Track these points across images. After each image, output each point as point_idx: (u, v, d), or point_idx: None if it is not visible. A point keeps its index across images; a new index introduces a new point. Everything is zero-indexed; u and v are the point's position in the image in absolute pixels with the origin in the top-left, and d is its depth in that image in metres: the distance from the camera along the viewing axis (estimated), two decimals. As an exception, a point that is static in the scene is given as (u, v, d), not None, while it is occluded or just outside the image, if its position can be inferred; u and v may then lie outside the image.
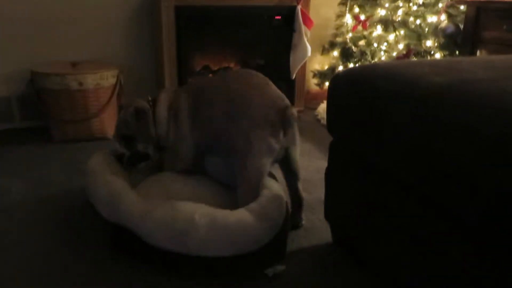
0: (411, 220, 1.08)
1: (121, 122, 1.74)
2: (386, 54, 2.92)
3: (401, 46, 2.84)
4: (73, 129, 2.54)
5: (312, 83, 3.41)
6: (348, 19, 3.16)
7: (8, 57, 2.70)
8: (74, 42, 2.82)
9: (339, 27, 3.27)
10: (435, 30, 2.69)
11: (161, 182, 1.71)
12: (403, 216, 1.11)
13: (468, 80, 1.04)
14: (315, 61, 3.40)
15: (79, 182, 2.01)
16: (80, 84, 2.46)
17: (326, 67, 3.32)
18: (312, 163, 2.32)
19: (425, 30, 2.74)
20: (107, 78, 2.57)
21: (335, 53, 3.22)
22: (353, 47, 3.04)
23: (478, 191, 0.84)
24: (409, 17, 2.81)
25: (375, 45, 2.96)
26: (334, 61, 3.25)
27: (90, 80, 2.49)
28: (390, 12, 2.90)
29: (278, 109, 1.49)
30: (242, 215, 1.38)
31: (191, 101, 1.70)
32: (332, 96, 1.35)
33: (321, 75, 3.29)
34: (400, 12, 2.86)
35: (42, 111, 2.57)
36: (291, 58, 2.95)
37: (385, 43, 2.93)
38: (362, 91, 1.22)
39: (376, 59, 2.94)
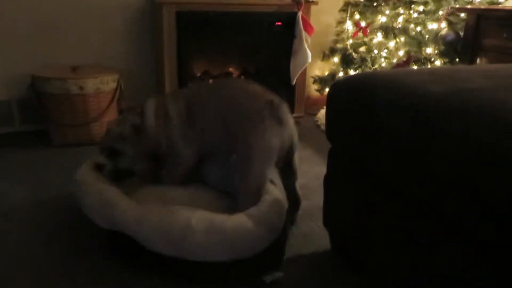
0: (410, 227, 1.08)
1: (114, 134, 1.67)
2: (386, 60, 2.92)
3: (401, 53, 2.84)
4: (73, 133, 2.54)
5: (313, 88, 3.42)
6: (349, 26, 3.17)
7: (9, 61, 2.71)
8: (74, 46, 2.83)
9: (339, 33, 3.28)
10: (435, 38, 2.69)
11: (158, 189, 1.71)
12: (402, 223, 1.11)
13: (466, 89, 1.04)
14: (315, 67, 3.41)
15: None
16: (81, 88, 2.47)
17: (326, 73, 3.33)
18: (311, 169, 2.32)
19: (425, 37, 2.74)
20: (108, 83, 2.58)
21: (336, 59, 3.23)
22: (353, 54, 3.05)
23: (476, 200, 0.84)
24: (410, 24, 2.82)
25: (376, 51, 2.97)
26: (334, 67, 3.25)
27: (91, 84, 2.50)
28: (391, 19, 2.91)
29: (265, 101, 1.54)
30: (240, 220, 1.37)
31: (183, 109, 1.69)
32: (331, 103, 1.36)
33: (322, 81, 3.30)
34: (400, 19, 2.87)
35: (42, 115, 2.58)
36: (291, 64, 2.95)
37: (386, 50, 2.93)
38: (361, 99, 1.22)
39: (376, 66, 2.94)
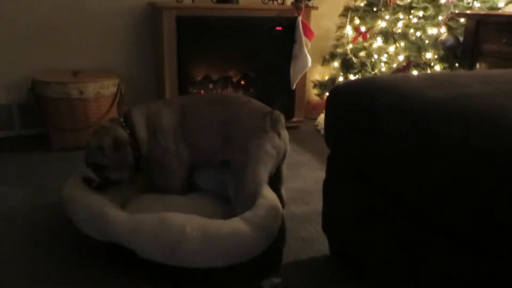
0: (409, 232, 1.08)
1: (93, 150, 1.61)
2: (386, 65, 2.93)
3: (401, 57, 2.85)
4: (73, 138, 2.54)
5: (313, 93, 3.42)
6: (349, 31, 3.18)
7: (9, 65, 2.72)
8: (75, 51, 2.84)
9: (339, 38, 3.28)
10: (435, 43, 2.70)
11: (155, 197, 1.71)
12: (401, 228, 1.11)
13: (466, 94, 1.04)
14: (315, 72, 3.41)
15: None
16: (81, 92, 2.47)
17: (326, 78, 3.33)
18: (311, 174, 2.32)
19: (425, 42, 2.75)
20: (108, 87, 2.58)
21: (336, 64, 3.23)
22: (353, 58, 3.05)
23: (475, 204, 0.83)
24: (409, 29, 2.82)
25: (376, 56, 2.97)
26: (334, 71, 3.25)
27: (91, 88, 2.50)
28: (391, 24, 2.91)
29: (265, 113, 1.58)
30: (236, 225, 1.37)
31: (177, 118, 1.69)
32: (330, 108, 1.36)
33: (322, 86, 3.30)
34: (400, 24, 2.87)
35: (42, 119, 2.58)
36: (291, 69, 2.96)
37: (386, 55, 2.94)
38: (360, 104, 1.22)
39: (376, 71, 2.94)
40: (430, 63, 2.69)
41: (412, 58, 2.76)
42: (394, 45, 2.88)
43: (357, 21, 3.12)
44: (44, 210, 1.87)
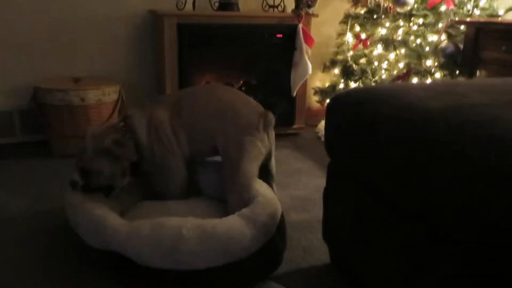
0: (407, 242, 1.08)
1: (84, 155, 1.58)
2: (386, 72, 2.94)
3: (401, 65, 2.86)
4: (74, 144, 2.54)
5: (313, 100, 3.43)
6: (349, 38, 3.19)
7: (11, 72, 2.73)
8: (77, 58, 2.85)
9: (340, 45, 3.29)
10: (435, 50, 2.71)
11: (156, 202, 1.72)
12: (400, 237, 1.11)
13: (463, 105, 1.05)
14: (316, 78, 3.42)
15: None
16: (82, 99, 2.49)
17: (327, 85, 3.34)
18: (311, 181, 2.32)
19: (425, 50, 2.76)
20: (109, 94, 2.59)
21: (336, 70, 3.24)
22: (354, 65, 3.06)
23: (473, 216, 0.84)
24: (410, 36, 2.83)
25: (376, 63, 2.98)
26: (335, 78, 3.26)
27: (92, 96, 2.51)
28: (391, 32, 2.92)
29: (259, 114, 1.67)
30: (231, 222, 1.39)
31: (172, 116, 1.70)
32: (330, 117, 1.36)
33: (322, 92, 3.31)
34: (400, 31, 2.88)
35: (44, 126, 2.59)
36: (292, 76, 2.97)
37: (386, 62, 2.95)
38: (359, 114, 1.23)
39: (376, 78, 2.95)
40: (430, 71, 2.70)
41: (412, 66, 2.77)
42: (395, 52, 2.89)
43: (357, 28, 3.13)
44: (44, 216, 1.87)
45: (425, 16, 2.75)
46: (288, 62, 2.95)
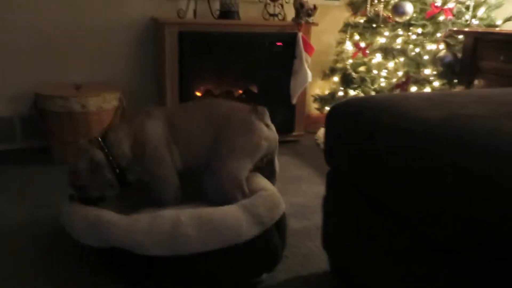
0: (406, 250, 1.09)
1: (72, 173, 1.63)
2: (386, 80, 2.96)
3: (400, 73, 2.88)
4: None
5: (313, 107, 3.45)
6: (349, 46, 3.21)
7: (12, 79, 2.75)
8: (78, 65, 2.87)
9: (339, 53, 3.32)
10: (434, 59, 2.73)
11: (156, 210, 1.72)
12: (399, 246, 1.12)
13: (460, 116, 1.07)
14: (316, 86, 3.45)
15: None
16: (83, 106, 2.50)
17: (326, 92, 3.36)
18: (311, 189, 2.34)
19: (423, 58, 2.78)
20: (110, 101, 2.61)
21: (336, 78, 3.27)
22: (353, 73, 3.08)
23: (470, 226, 0.85)
24: (408, 45, 2.86)
25: (375, 72, 3.00)
26: (334, 86, 3.28)
27: (93, 102, 2.53)
28: (390, 40, 2.95)
29: (249, 110, 1.69)
30: (228, 209, 1.47)
31: (165, 125, 1.70)
32: (330, 127, 1.38)
33: (322, 100, 3.33)
34: (399, 40, 2.91)
35: (44, 132, 2.60)
36: (291, 84, 2.99)
37: (385, 70, 2.97)
38: (358, 124, 1.24)
39: (376, 86, 2.98)
40: (429, 79, 2.72)
41: (411, 74, 2.79)
42: (394, 61, 2.91)
43: (356, 37, 3.16)
44: (45, 222, 1.88)
45: (423, 26, 2.78)
46: (288, 70, 2.97)
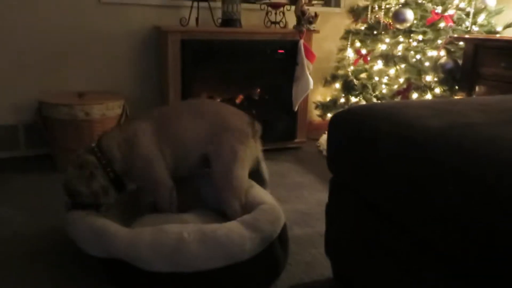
0: (409, 257, 1.10)
1: (65, 180, 1.66)
2: (387, 87, 2.98)
3: (401, 80, 2.90)
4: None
5: (315, 114, 3.47)
6: (350, 53, 3.24)
7: (17, 87, 2.77)
8: (81, 73, 2.90)
9: (341, 60, 3.34)
10: (435, 66, 2.75)
11: (157, 217, 1.72)
12: (401, 254, 1.13)
13: (462, 124, 1.08)
14: (317, 93, 3.47)
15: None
16: (87, 114, 2.52)
17: (328, 99, 3.38)
18: (313, 196, 2.34)
19: (424, 65, 2.80)
20: (113, 109, 2.63)
21: (337, 85, 3.29)
22: (354, 80, 3.11)
23: (471, 235, 0.86)
24: (409, 52, 2.88)
25: (376, 78, 3.02)
26: (336, 93, 3.31)
27: (96, 110, 2.54)
28: (391, 47, 2.97)
29: (247, 123, 1.76)
30: (231, 226, 1.46)
31: (157, 129, 1.71)
32: (332, 135, 1.39)
33: (323, 107, 3.35)
34: (400, 47, 2.93)
35: (48, 140, 2.62)
36: (293, 91, 3.01)
37: (386, 77, 2.99)
38: (360, 131, 1.26)
39: (377, 92, 2.99)
40: (430, 86, 2.74)
41: (412, 81, 2.81)
42: (395, 68, 2.93)
43: (358, 44, 3.19)
44: (49, 231, 1.89)
45: (424, 33, 2.80)
46: (289, 77, 2.99)
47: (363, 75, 3.11)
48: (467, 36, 2.63)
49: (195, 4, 2.85)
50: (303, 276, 1.62)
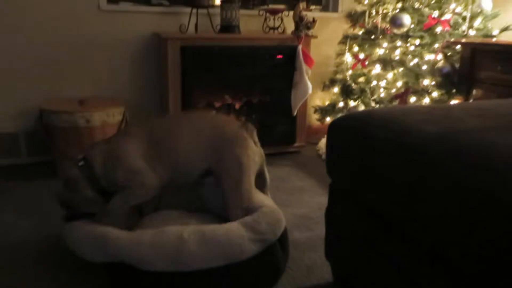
0: (407, 261, 1.12)
1: (56, 195, 1.69)
2: (385, 91, 3.00)
3: (399, 83, 2.92)
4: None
5: (314, 118, 3.49)
6: (348, 58, 3.26)
7: (17, 94, 2.79)
8: (82, 80, 2.92)
9: (339, 64, 3.37)
10: (432, 69, 2.77)
11: (158, 223, 1.73)
12: (400, 258, 1.15)
13: (458, 130, 1.10)
14: (316, 97, 3.49)
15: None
16: (87, 121, 2.54)
17: (327, 103, 3.40)
18: (313, 199, 2.36)
19: (422, 69, 2.82)
20: (114, 115, 2.64)
21: (336, 89, 3.31)
22: (353, 84, 3.13)
23: (466, 240, 0.88)
24: (407, 56, 2.90)
25: (374, 82, 3.04)
26: (334, 97, 3.33)
27: (97, 117, 2.56)
28: (388, 52, 3.00)
29: (241, 126, 1.76)
30: (231, 227, 1.50)
31: (146, 145, 1.68)
32: (331, 141, 1.41)
33: (322, 111, 3.37)
34: (398, 51, 2.95)
35: (49, 147, 2.64)
36: (292, 95, 3.03)
37: (384, 81, 3.01)
38: (358, 138, 1.28)
39: (375, 96, 3.02)
40: (428, 90, 2.76)
41: (410, 85, 2.83)
42: (392, 72, 2.95)
43: (356, 48, 3.21)
44: (51, 237, 1.90)
45: (421, 37, 2.82)
46: (288, 82, 3.01)
47: (362, 79, 3.14)
48: (463, 40, 2.65)
49: (194, 11, 2.88)
50: (303, 280, 1.63)
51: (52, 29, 2.78)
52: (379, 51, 3.05)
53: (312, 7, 3.35)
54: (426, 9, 2.86)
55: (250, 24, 3.17)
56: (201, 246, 1.42)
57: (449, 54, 2.77)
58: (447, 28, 2.78)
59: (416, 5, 2.90)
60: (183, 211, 1.82)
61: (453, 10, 2.85)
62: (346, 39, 3.26)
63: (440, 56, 2.80)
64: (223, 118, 1.83)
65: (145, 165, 1.66)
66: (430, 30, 2.83)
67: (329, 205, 1.53)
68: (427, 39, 2.81)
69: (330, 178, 1.47)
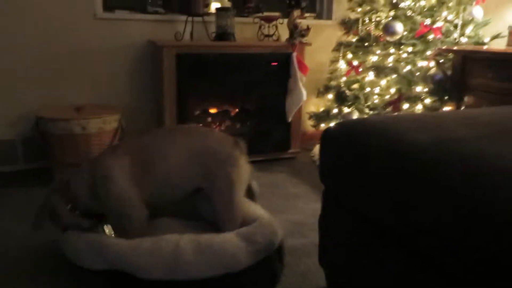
0: (401, 269, 1.13)
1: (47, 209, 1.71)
2: (379, 98, 3.03)
3: (393, 90, 2.96)
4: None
5: (308, 124, 3.52)
6: (342, 65, 3.30)
7: (14, 101, 2.80)
8: (79, 87, 2.94)
9: (333, 71, 3.41)
10: (425, 76, 2.81)
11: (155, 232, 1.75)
12: (393, 265, 1.17)
13: (449, 138, 1.12)
14: (311, 103, 3.52)
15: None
16: (83, 128, 2.55)
17: (321, 109, 3.43)
18: (307, 206, 2.38)
19: (415, 75, 2.86)
20: (110, 123, 2.66)
21: (330, 96, 3.34)
22: (347, 91, 3.16)
23: (458, 249, 0.90)
24: (400, 63, 2.94)
25: (368, 89, 3.08)
26: (329, 103, 3.36)
27: (93, 124, 2.57)
28: (382, 59, 3.03)
29: (233, 143, 1.76)
30: (227, 237, 1.52)
31: (134, 168, 1.64)
32: (324, 148, 1.43)
33: (317, 117, 3.40)
34: (391, 58, 2.99)
35: (45, 154, 2.65)
36: (287, 102, 3.06)
37: (378, 88, 3.05)
38: (352, 145, 1.30)
39: (369, 103, 3.05)
40: (421, 96, 2.80)
41: (403, 91, 2.87)
42: (386, 79, 2.99)
43: (349, 55, 3.25)
44: (47, 243, 1.91)
45: (414, 45, 2.87)
46: (283, 89, 3.04)
47: (355, 86, 3.17)
48: (455, 47, 2.69)
49: (190, 18, 2.91)
50: (297, 286, 1.65)
51: (48, 37, 2.80)
52: (373, 58, 3.09)
53: (306, 14, 3.38)
54: (419, 17, 2.91)
55: (245, 31, 3.20)
56: (197, 255, 1.44)
57: (441, 61, 2.81)
58: (439, 35, 2.82)
59: (409, 13, 2.95)
60: (179, 219, 1.84)
61: (445, 18, 2.90)
62: (340, 46, 3.30)
63: (432, 63, 2.84)
64: (215, 136, 1.79)
65: (134, 192, 1.62)
66: (422, 37, 2.87)
67: (322, 212, 1.55)
68: (419, 47, 2.85)
69: (323, 185, 1.49)
